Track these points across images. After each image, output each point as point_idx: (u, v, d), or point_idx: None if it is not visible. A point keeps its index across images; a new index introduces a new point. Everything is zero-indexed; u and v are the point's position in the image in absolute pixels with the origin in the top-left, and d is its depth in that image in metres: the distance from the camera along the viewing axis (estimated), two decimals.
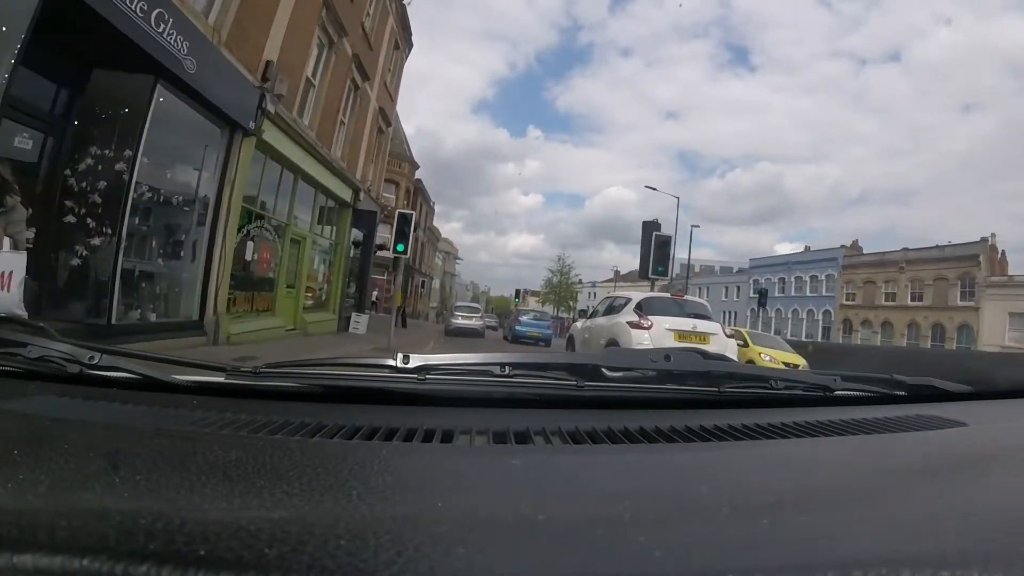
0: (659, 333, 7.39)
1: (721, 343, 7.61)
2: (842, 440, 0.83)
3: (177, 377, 0.87)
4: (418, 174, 50.41)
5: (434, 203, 48.93)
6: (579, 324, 10.39)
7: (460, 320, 21.20)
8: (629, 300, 8.33)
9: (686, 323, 7.63)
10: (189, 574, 0.34)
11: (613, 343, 7.74)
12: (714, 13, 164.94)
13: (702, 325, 7.71)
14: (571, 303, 53.09)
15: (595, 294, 50.81)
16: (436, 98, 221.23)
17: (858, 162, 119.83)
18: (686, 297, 9.20)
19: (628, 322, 7.62)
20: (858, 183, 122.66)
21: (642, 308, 7.83)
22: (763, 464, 0.71)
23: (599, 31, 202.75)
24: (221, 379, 0.89)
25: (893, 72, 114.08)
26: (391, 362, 0.89)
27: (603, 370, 1.03)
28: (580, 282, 54.32)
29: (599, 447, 0.72)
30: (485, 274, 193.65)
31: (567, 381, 0.96)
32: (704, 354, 1.11)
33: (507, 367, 0.95)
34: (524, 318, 21.86)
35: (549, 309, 50.34)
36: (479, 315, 22.72)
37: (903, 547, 0.44)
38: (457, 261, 70.37)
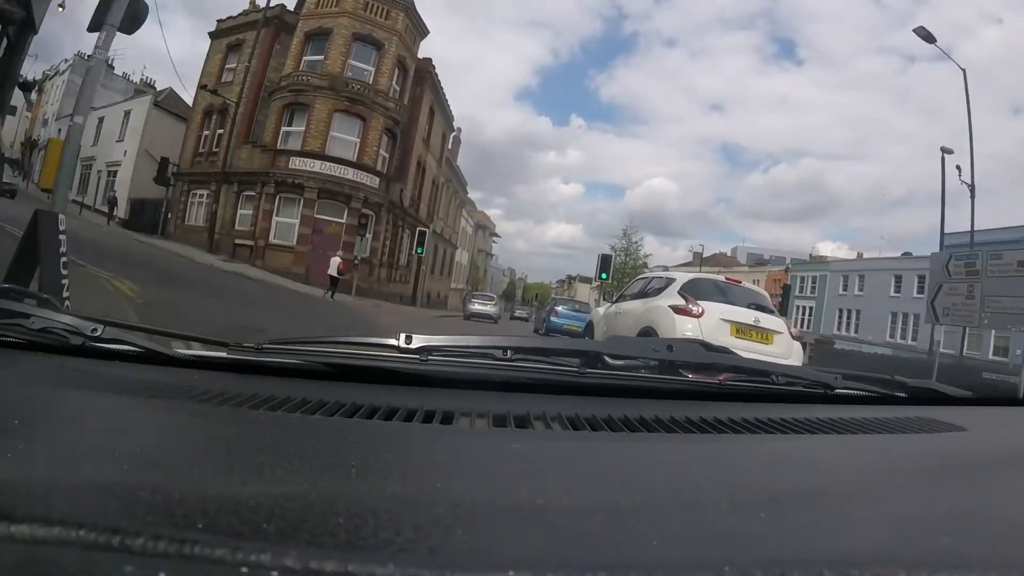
0: (711, 324, 5.78)
1: (786, 345, 6.09)
2: (841, 438, 0.83)
3: (180, 351, 0.87)
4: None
5: (459, 128, 33.88)
6: (601, 310, 8.69)
7: (476, 306, 24.23)
8: (672, 280, 6.76)
9: (746, 315, 6.00)
10: (186, 548, 0.33)
11: (649, 332, 6.02)
12: (760, 5, 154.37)
13: (765, 320, 6.05)
14: None
15: None
16: (478, 85, 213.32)
17: (903, 161, 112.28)
18: (744, 283, 7.32)
19: (671, 306, 6.07)
20: (903, 183, 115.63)
21: (689, 291, 6.24)
22: (762, 458, 0.71)
23: (644, 21, 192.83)
24: (224, 354, 0.89)
25: (941, 71, 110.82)
26: (394, 342, 0.89)
27: (605, 357, 1.03)
28: (646, 265, 40.60)
29: (599, 434, 0.72)
30: (522, 263, 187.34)
31: (569, 367, 0.96)
32: (707, 346, 1.11)
33: (509, 351, 0.96)
34: (561, 308, 19.59)
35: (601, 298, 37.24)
36: (493, 303, 26.29)
37: (899, 547, 0.44)
38: (494, 240, 58.11)
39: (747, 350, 4.95)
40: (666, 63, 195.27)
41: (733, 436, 0.76)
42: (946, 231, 16.07)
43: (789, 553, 0.41)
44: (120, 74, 32.33)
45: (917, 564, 0.38)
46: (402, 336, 0.88)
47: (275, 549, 0.33)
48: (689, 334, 5.60)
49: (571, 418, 0.75)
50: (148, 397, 0.69)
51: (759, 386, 1.06)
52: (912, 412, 1.03)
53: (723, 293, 6.44)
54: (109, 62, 32.59)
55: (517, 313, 40.26)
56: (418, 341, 0.88)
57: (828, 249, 51.45)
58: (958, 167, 14.99)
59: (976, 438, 0.95)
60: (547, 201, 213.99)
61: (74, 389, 0.69)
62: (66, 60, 33.17)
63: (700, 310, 5.91)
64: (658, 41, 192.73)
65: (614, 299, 8.38)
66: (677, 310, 6.03)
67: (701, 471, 0.63)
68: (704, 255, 47.61)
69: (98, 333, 0.82)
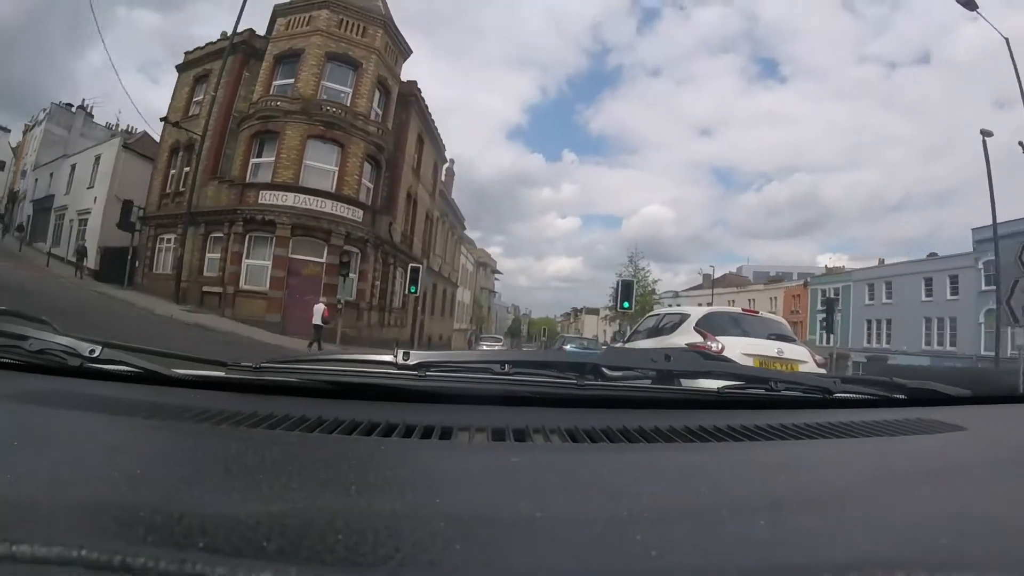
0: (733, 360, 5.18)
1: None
2: (841, 443, 0.83)
3: (178, 371, 0.87)
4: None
5: (452, 160, 32.09)
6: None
7: (484, 347, 23.98)
8: (686, 317, 6.53)
9: (768, 346, 5.72)
10: (187, 567, 0.33)
11: None
12: (740, 26, 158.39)
13: (789, 350, 5.78)
14: None
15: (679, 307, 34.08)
16: (470, 127, 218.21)
17: (895, 167, 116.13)
18: (761, 313, 7.25)
19: (689, 344, 5.73)
20: (897, 188, 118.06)
21: (706, 327, 5.99)
22: (761, 465, 0.71)
23: (628, 52, 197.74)
24: (222, 373, 0.89)
25: (923, 73, 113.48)
26: (392, 358, 0.89)
27: (603, 369, 1.03)
28: (654, 292, 38.49)
29: (598, 446, 0.72)
30: (525, 298, 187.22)
31: (567, 380, 0.96)
32: (704, 355, 1.14)
33: (507, 365, 0.95)
34: (569, 347, 18.46)
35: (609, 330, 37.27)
36: (500, 343, 30.18)
37: (898, 550, 0.44)
38: (496, 277, 56.34)
39: None
40: (652, 92, 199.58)
41: (732, 444, 0.76)
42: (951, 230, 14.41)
43: (788, 559, 0.42)
44: (102, 124, 31.38)
45: (915, 567, 0.39)
46: (400, 352, 0.88)
47: (275, 567, 0.34)
48: None
49: (570, 430, 0.75)
50: (147, 417, 0.69)
51: (757, 393, 1.06)
52: (912, 414, 1.03)
53: (741, 326, 6.17)
54: (88, 110, 31.43)
55: (524, 351, 39.65)
56: (416, 357, 0.88)
57: (828, 262, 50.09)
58: (1021, 143, 13.28)
59: (975, 437, 0.95)
60: (545, 236, 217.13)
61: (72, 410, 0.69)
62: (44, 110, 32.11)
63: (720, 346, 5.64)
64: (643, 71, 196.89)
65: (626, 337, 8.06)
66: (695, 348, 5.81)
67: (700, 480, 0.63)
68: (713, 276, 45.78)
69: (96, 354, 0.83)
